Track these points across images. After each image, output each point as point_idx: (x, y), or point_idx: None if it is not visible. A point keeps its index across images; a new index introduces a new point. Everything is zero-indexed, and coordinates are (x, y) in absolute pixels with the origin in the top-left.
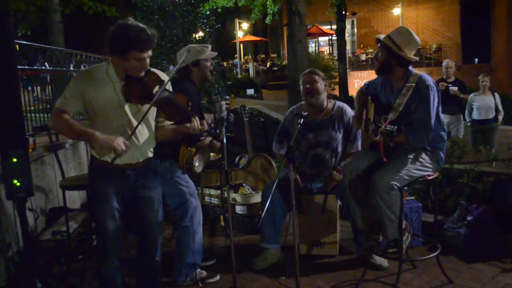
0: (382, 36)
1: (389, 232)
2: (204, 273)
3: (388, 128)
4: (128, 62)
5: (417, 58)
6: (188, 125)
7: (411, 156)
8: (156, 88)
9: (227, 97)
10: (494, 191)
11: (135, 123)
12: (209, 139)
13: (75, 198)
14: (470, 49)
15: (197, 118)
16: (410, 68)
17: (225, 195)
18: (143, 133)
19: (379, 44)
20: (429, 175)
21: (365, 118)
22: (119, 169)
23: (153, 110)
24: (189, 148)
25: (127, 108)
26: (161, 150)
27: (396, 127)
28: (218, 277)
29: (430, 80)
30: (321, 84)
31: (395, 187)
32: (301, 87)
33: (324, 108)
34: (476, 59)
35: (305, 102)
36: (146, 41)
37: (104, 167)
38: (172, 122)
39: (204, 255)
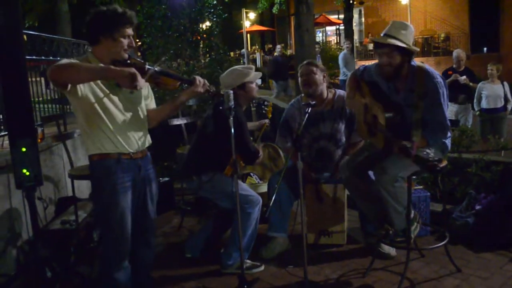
0: (382, 38)
1: (396, 222)
2: (249, 262)
3: (430, 159)
4: (117, 41)
5: (418, 49)
6: (193, 86)
7: None
8: (146, 65)
9: (266, 103)
10: (503, 180)
11: (129, 109)
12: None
13: (84, 188)
14: (478, 38)
15: (199, 77)
16: (412, 61)
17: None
18: (144, 118)
19: (383, 50)
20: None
21: (364, 115)
22: (130, 160)
23: (145, 92)
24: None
25: (119, 94)
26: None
27: (432, 154)
28: (262, 267)
29: (436, 74)
30: (319, 76)
31: (399, 178)
32: (299, 78)
33: (324, 99)
34: (485, 48)
35: (303, 93)
36: (130, 16)
37: (115, 162)
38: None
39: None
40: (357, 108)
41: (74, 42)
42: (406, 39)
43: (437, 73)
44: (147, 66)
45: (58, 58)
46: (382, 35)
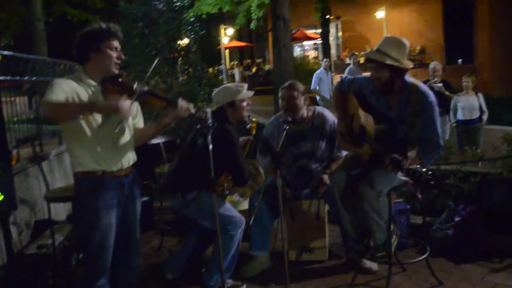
0: (372, 53)
1: (377, 236)
2: (231, 281)
3: (423, 175)
4: (104, 54)
5: (412, 64)
6: (176, 108)
7: None
8: (135, 84)
9: (250, 119)
10: (480, 191)
11: (115, 124)
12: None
13: (61, 210)
14: (453, 50)
15: (182, 101)
16: (406, 77)
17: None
18: (131, 136)
19: (373, 65)
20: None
21: (348, 125)
22: (114, 178)
23: (133, 109)
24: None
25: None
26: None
27: (429, 173)
28: (244, 287)
29: (430, 94)
30: (299, 100)
31: (383, 194)
32: (280, 100)
33: (304, 118)
34: (460, 60)
35: (284, 116)
36: (114, 30)
37: (98, 180)
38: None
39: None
40: (344, 119)
41: (49, 61)
42: (398, 55)
43: (430, 92)
44: (135, 86)
45: (34, 78)
46: (375, 49)
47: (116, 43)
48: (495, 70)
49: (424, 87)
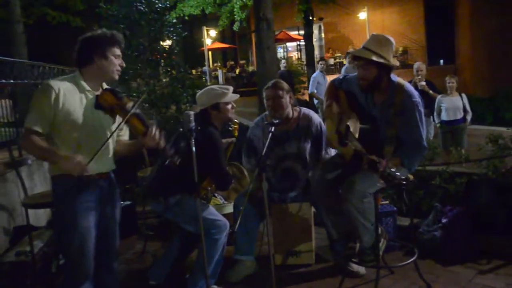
0: (358, 51)
1: (364, 239)
2: (216, 287)
3: (397, 178)
4: (109, 60)
5: (398, 63)
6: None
7: None
8: (130, 104)
9: (232, 123)
10: (467, 192)
11: (102, 132)
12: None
13: (41, 215)
14: (435, 51)
15: (155, 128)
16: (392, 76)
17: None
18: (112, 143)
19: (360, 62)
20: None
21: (338, 119)
22: (93, 181)
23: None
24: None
25: (96, 117)
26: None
27: (403, 177)
28: None
29: (415, 94)
30: (285, 99)
31: (368, 194)
32: (264, 101)
33: (290, 119)
34: (442, 61)
35: (270, 116)
36: (118, 38)
37: (76, 181)
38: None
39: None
40: (332, 117)
41: (28, 64)
42: (385, 53)
43: (416, 93)
44: (128, 105)
45: (12, 81)
46: (361, 47)
47: (119, 51)
48: (477, 70)
49: (410, 87)
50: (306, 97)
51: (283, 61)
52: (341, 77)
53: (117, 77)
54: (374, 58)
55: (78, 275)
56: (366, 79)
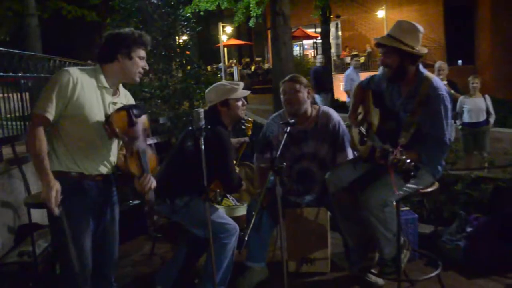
0: (380, 37)
1: (385, 251)
2: None
3: (405, 165)
4: (133, 61)
5: (426, 49)
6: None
7: None
8: (140, 138)
9: (246, 119)
10: (494, 200)
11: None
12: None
13: (46, 213)
14: (454, 50)
15: (149, 177)
16: (421, 67)
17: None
18: (115, 144)
19: (383, 49)
20: (423, 188)
21: (360, 120)
22: (91, 182)
23: None
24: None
25: (107, 111)
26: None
27: (412, 164)
28: None
29: (442, 88)
30: (303, 93)
31: (389, 203)
32: (281, 96)
33: (308, 117)
34: (460, 61)
35: (287, 112)
36: (146, 39)
37: (74, 181)
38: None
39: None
40: (355, 124)
41: (39, 57)
42: (409, 40)
43: (444, 87)
44: (140, 136)
45: (28, 75)
46: (386, 34)
47: (144, 53)
48: (497, 71)
49: (439, 81)
50: None
51: (319, 56)
52: (368, 77)
53: (138, 79)
54: (396, 45)
55: (76, 279)
56: (388, 67)
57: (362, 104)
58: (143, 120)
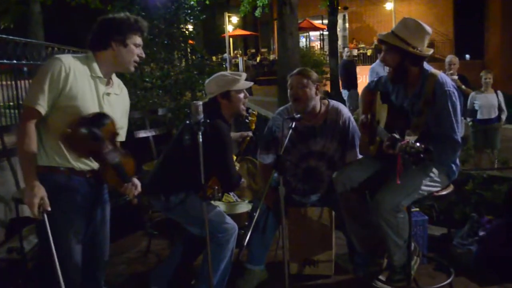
0: (383, 34)
1: (395, 258)
2: None
3: (415, 147)
4: (128, 48)
5: (432, 50)
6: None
7: (419, 170)
8: (110, 149)
9: (250, 112)
10: (508, 201)
11: None
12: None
13: None
14: (463, 44)
15: (135, 182)
16: (425, 65)
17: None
18: None
19: (384, 47)
20: (437, 191)
21: (369, 120)
22: (81, 178)
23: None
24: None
25: (101, 102)
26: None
27: (423, 146)
28: None
29: (448, 83)
30: (311, 89)
31: (401, 207)
32: (288, 90)
33: (317, 113)
34: (468, 56)
35: (293, 108)
36: (142, 25)
37: (63, 178)
38: None
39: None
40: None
41: (39, 44)
42: (412, 39)
43: (451, 83)
44: (108, 149)
45: (31, 62)
46: (390, 31)
47: (140, 40)
48: (506, 67)
49: (444, 77)
50: (328, 88)
51: (346, 49)
52: (375, 79)
53: (133, 69)
54: (398, 44)
55: (65, 281)
56: (388, 65)
57: (371, 107)
58: (108, 129)
